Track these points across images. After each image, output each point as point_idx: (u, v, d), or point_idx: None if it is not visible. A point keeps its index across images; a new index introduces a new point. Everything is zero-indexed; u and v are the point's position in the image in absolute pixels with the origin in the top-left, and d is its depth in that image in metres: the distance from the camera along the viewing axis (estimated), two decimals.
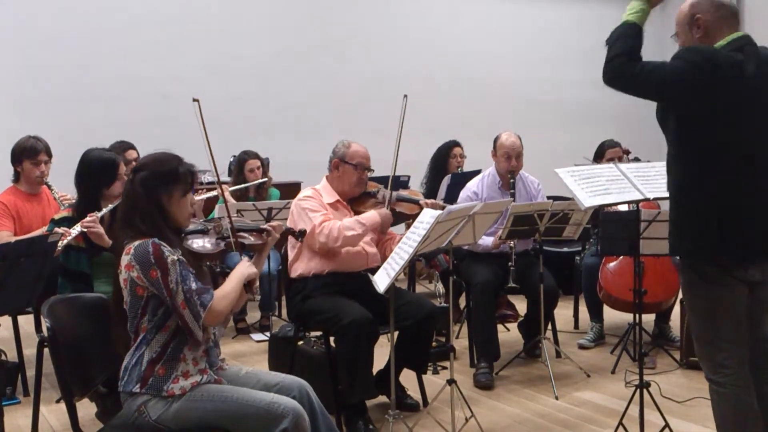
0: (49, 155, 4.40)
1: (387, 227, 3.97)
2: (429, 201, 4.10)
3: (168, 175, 2.62)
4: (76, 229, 3.55)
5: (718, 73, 2.54)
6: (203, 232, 2.79)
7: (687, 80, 2.54)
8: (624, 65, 2.55)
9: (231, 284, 2.64)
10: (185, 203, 2.66)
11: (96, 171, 3.80)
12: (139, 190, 2.59)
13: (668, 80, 2.56)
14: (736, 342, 2.68)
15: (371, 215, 3.86)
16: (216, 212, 4.96)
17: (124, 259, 2.52)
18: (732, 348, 2.68)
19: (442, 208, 3.52)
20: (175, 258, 2.50)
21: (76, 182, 3.84)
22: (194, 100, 2.88)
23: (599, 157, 5.49)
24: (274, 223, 2.99)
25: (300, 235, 3.27)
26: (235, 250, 2.85)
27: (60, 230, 3.54)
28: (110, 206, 3.67)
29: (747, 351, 2.71)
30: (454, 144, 6.50)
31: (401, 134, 3.94)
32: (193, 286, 2.49)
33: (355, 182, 3.95)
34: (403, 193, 4.20)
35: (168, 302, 2.48)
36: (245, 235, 2.89)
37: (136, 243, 2.51)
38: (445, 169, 6.36)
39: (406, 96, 3.87)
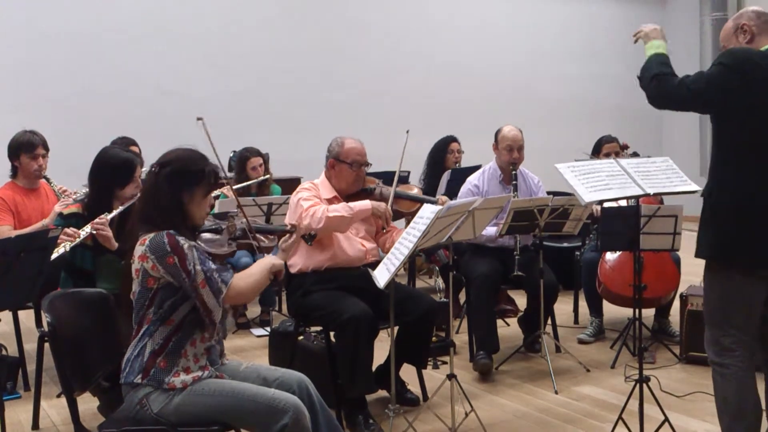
0: (46, 149, 4.37)
1: (387, 219, 3.91)
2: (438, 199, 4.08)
3: (195, 174, 2.62)
4: (86, 230, 3.45)
5: (749, 74, 2.65)
6: (216, 232, 2.80)
7: (720, 83, 2.68)
8: (663, 82, 2.77)
9: (257, 268, 2.69)
10: (205, 203, 2.68)
11: (113, 169, 3.62)
12: (163, 185, 2.59)
13: (706, 87, 2.70)
14: (745, 331, 2.80)
15: (363, 202, 3.82)
16: (216, 208, 4.95)
17: (138, 250, 2.53)
18: (739, 335, 2.79)
19: None
20: (192, 243, 2.54)
21: (89, 178, 3.66)
22: (198, 119, 2.89)
23: (596, 152, 5.49)
24: (293, 223, 2.98)
25: (310, 239, 3.14)
26: (258, 251, 2.86)
27: (69, 231, 3.42)
28: (121, 208, 3.55)
29: (753, 340, 2.82)
30: (452, 139, 6.48)
31: (402, 162, 4.15)
32: (213, 266, 2.54)
33: (353, 180, 3.94)
34: (400, 190, 4.18)
35: (187, 284, 2.48)
36: (261, 237, 2.92)
37: (152, 234, 2.53)
38: (443, 164, 6.34)
39: (408, 131, 4.12)
